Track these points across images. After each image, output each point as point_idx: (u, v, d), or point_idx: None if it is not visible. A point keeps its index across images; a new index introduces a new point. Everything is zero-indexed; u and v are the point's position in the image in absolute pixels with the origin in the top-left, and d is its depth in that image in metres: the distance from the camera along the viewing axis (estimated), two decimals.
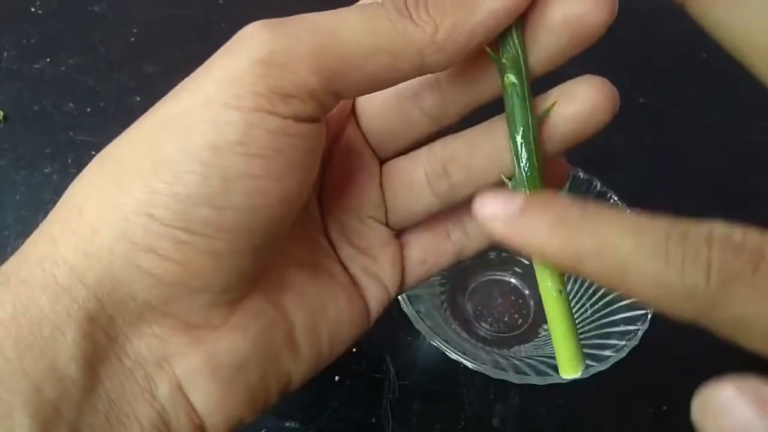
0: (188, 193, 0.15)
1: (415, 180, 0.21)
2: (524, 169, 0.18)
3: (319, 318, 0.20)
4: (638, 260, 0.14)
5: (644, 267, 0.14)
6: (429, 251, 0.22)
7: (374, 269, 0.21)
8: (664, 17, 0.53)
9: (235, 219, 0.16)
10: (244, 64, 0.15)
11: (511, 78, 0.17)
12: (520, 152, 0.18)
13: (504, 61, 0.17)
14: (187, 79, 0.17)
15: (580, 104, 0.18)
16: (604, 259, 0.15)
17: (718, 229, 0.14)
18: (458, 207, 0.22)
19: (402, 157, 0.22)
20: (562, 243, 0.15)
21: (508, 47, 0.17)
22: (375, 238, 0.22)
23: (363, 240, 0.21)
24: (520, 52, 0.17)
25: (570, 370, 0.18)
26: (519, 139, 0.17)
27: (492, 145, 0.19)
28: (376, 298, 0.21)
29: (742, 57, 0.16)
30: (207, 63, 0.17)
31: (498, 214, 0.16)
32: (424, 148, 0.21)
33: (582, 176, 0.34)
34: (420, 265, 0.22)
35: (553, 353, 0.31)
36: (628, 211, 0.15)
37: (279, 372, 0.19)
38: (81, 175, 0.17)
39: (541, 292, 0.18)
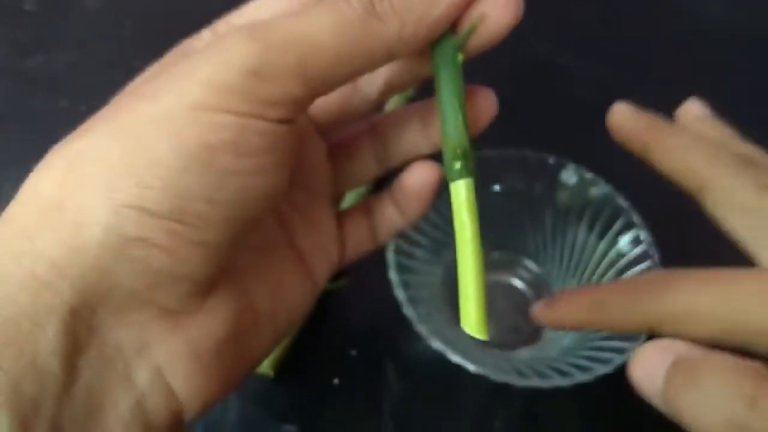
0: (183, 188, 0.16)
1: (359, 148, 0.24)
2: (459, 128, 0.20)
3: (275, 297, 0.21)
4: None
5: None
6: (356, 233, 0.25)
7: (322, 241, 0.24)
8: (665, 17, 0.53)
9: (226, 213, 0.17)
10: (235, 74, 0.16)
11: (460, 56, 0.19)
12: (457, 116, 0.20)
13: (458, 41, 0.19)
14: (157, 78, 0.17)
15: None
16: None
17: None
18: (374, 196, 0.25)
19: (345, 129, 0.24)
20: None
21: (448, 33, 0.19)
22: (323, 213, 0.24)
23: (313, 214, 0.23)
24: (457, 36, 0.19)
25: (472, 326, 0.19)
26: (457, 106, 0.20)
27: (414, 127, 0.23)
28: (322, 270, 0.23)
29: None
30: (184, 65, 0.17)
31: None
32: (366, 121, 0.24)
33: (586, 175, 0.34)
34: (352, 244, 0.25)
35: (556, 356, 0.31)
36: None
37: (247, 352, 0.20)
38: (48, 167, 0.17)
39: (457, 241, 0.20)
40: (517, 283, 0.36)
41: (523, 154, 0.35)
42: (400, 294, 0.30)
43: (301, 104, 0.18)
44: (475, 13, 0.19)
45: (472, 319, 0.19)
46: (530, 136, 0.32)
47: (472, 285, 0.19)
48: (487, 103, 0.21)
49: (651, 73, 0.48)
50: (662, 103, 0.47)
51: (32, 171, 0.18)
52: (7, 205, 0.16)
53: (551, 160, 0.34)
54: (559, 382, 0.28)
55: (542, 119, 0.44)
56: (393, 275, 0.30)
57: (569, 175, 0.34)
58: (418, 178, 0.23)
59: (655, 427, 0.33)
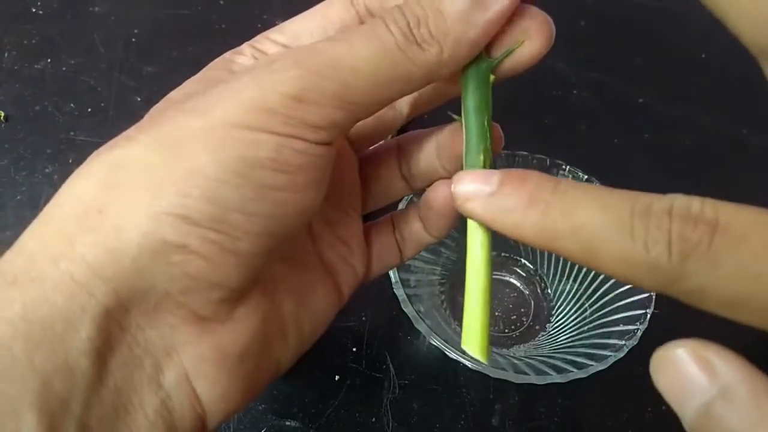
0: (222, 199, 0.16)
1: (389, 166, 0.24)
2: (485, 148, 0.20)
3: (302, 307, 0.21)
4: (606, 238, 0.15)
5: (612, 244, 0.15)
6: (383, 248, 0.25)
7: (350, 257, 0.24)
8: (664, 17, 0.53)
9: (261, 224, 0.17)
10: (277, 97, 0.17)
11: (492, 77, 0.19)
12: (484, 136, 0.20)
13: (491, 61, 0.19)
14: (205, 95, 0.18)
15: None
16: (575, 238, 0.16)
17: (678, 201, 0.15)
18: (400, 211, 0.25)
19: (376, 147, 0.24)
20: (536, 223, 0.16)
21: (481, 53, 0.19)
22: (353, 228, 0.24)
23: (343, 229, 0.24)
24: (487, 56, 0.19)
25: (474, 347, 0.19)
26: (484, 126, 0.20)
27: (431, 150, 0.23)
28: (348, 284, 0.23)
29: (729, 23, 0.16)
30: (232, 85, 0.17)
31: (477, 193, 0.18)
32: (394, 140, 0.24)
33: (582, 176, 0.34)
34: (378, 259, 0.25)
35: (552, 353, 0.32)
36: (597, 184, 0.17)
37: (271, 361, 0.20)
38: (89, 172, 0.17)
39: (468, 262, 0.20)
40: (514, 281, 0.37)
41: (521, 155, 0.35)
42: (399, 292, 0.30)
43: (341, 128, 0.18)
44: (515, 33, 0.19)
45: (475, 339, 0.19)
46: (527, 138, 0.33)
47: (479, 304, 0.19)
48: (496, 136, 0.22)
49: (647, 79, 0.49)
50: (661, 103, 0.47)
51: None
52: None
53: (547, 161, 0.35)
54: (555, 378, 0.28)
55: (539, 122, 0.45)
56: (393, 273, 0.31)
57: (564, 176, 0.35)
58: (442, 194, 0.23)
59: (648, 422, 0.33)
